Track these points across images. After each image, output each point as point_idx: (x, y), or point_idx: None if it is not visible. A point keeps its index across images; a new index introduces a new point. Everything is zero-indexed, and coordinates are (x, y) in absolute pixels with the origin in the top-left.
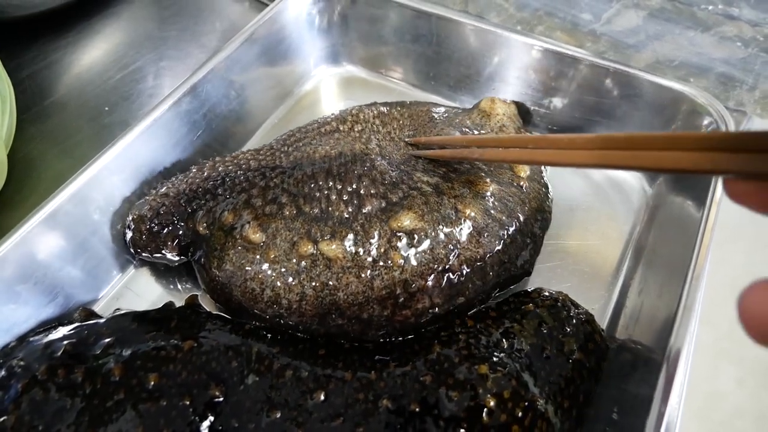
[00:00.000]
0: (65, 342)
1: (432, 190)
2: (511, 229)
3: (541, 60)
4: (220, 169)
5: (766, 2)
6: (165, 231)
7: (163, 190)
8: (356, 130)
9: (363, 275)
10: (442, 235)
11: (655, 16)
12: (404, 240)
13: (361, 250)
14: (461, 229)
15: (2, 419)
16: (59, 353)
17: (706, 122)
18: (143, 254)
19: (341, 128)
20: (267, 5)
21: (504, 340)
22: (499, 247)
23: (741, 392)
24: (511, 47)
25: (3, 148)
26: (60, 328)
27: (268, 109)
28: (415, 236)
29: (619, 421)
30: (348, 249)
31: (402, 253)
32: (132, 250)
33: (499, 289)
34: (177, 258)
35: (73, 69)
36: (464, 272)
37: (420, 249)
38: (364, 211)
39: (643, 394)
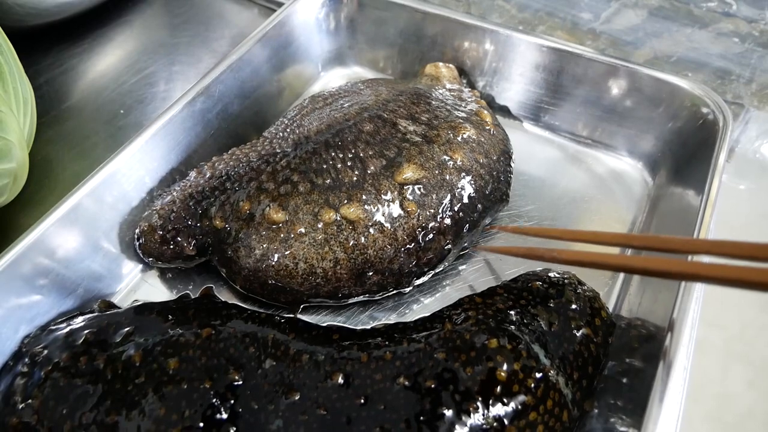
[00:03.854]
0: (86, 331)
1: (421, 139)
2: (489, 167)
3: (543, 57)
4: (220, 167)
5: None
6: (180, 235)
7: (168, 198)
8: (328, 103)
9: (386, 228)
10: (441, 179)
11: (653, 15)
12: (413, 189)
13: (378, 207)
14: (454, 171)
15: (28, 402)
16: (81, 341)
17: (704, 113)
18: (158, 263)
19: (317, 106)
20: (275, 11)
21: (513, 315)
22: (482, 182)
23: (751, 394)
24: (513, 46)
25: (26, 148)
26: (80, 317)
27: (279, 109)
28: (421, 184)
29: (626, 393)
30: (367, 208)
31: (414, 201)
32: (146, 260)
33: (486, 217)
34: (195, 259)
35: (88, 74)
36: (463, 208)
37: (428, 194)
38: (369, 171)
39: (648, 369)
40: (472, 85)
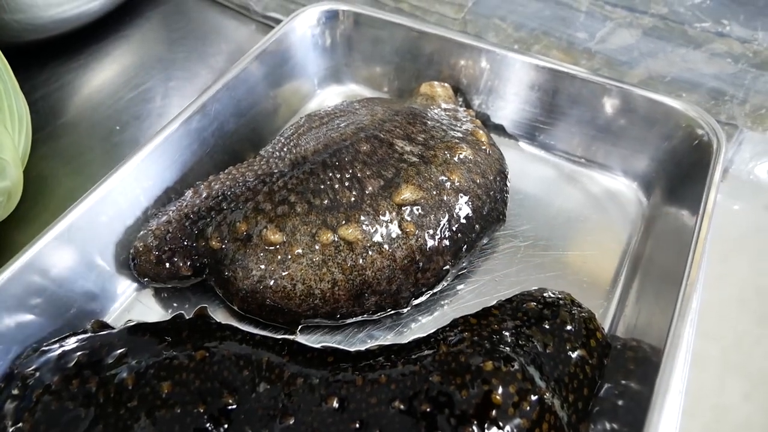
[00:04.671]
0: (79, 353)
1: (418, 159)
2: (486, 187)
3: (538, 77)
4: (216, 186)
5: (755, 19)
6: (176, 255)
7: (163, 218)
8: (324, 122)
9: (384, 250)
10: (439, 200)
11: (648, 35)
12: (411, 210)
13: (377, 228)
14: (452, 191)
15: (18, 426)
16: (73, 364)
17: (699, 134)
18: (153, 283)
19: (314, 125)
20: (272, 27)
21: (508, 336)
22: (479, 203)
23: (748, 405)
24: (509, 65)
25: (20, 166)
26: (73, 338)
27: (275, 127)
28: (419, 205)
29: (622, 415)
30: (365, 229)
31: (413, 222)
32: (141, 280)
33: (483, 237)
34: (191, 279)
35: (84, 90)
36: (461, 228)
37: (426, 215)
38: (367, 192)
39: (644, 391)
40: (467, 104)
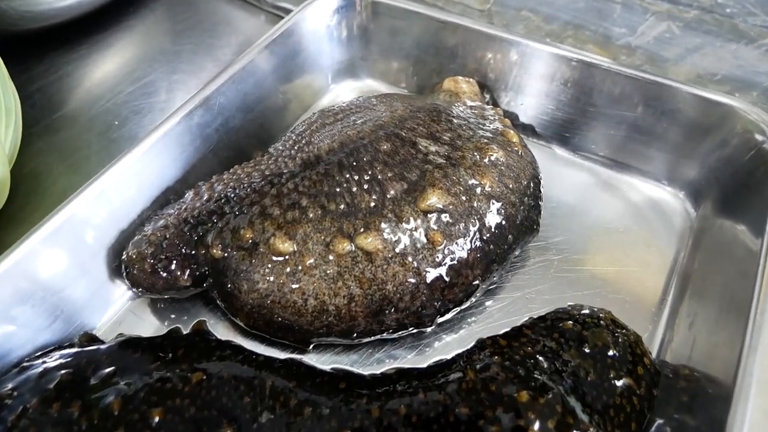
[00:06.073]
0: (62, 371)
1: (445, 161)
2: (520, 193)
3: (573, 73)
4: (219, 188)
5: None
6: (173, 264)
7: (161, 222)
8: (339, 119)
9: (407, 262)
10: (469, 207)
11: (693, 29)
12: (438, 218)
13: (399, 237)
14: (483, 197)
15: None
16: (54, 384)
17: (758, 140)
18: (148, 294)
19: (327, 122)
20: (284, 18)
21: (544, 361)
22: (512, 210)
23: None
24: (540, 59)
25: (6, 164)
26: (58, 353)
27: (285, 124)
28: (447, 212)
29: None
30: (386, 238)
31: (440, 230)
32: (135, 290)
33: (516, 249)
34: (190, 290)
35: (84, 82)
36: (492, 239)
37: (455, 223)
38: (388, 196)
39: (702, 428)
40: (494, 102)
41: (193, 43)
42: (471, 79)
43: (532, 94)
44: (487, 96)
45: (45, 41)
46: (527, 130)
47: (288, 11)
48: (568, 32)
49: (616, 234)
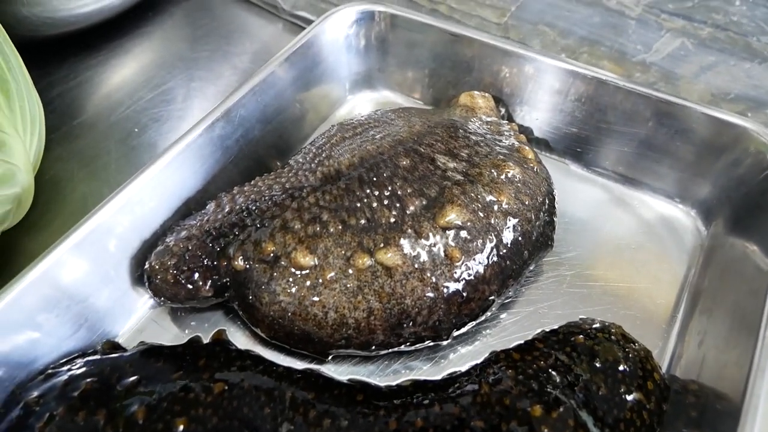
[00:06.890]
0: (87, 379)
1: (463, 178)
2: (536, 209)
3: (588, 90)
4: (240, 200)
5: None
6: (196, 275)
7: (183, 233)
8: (358, 132)
9: (426, 277)
10: (487, 223)
11: (708, 47)
12: (456, 234)
13: (419, 252)
14: (500, 214)
15: None
16: (79, 392)
17: None
18: (170, 303)
19: (347, 135)
20: (301, 27)
21: (557, 376)
22: (528, 227)
23: None
24: (556, 76)
25: (31, 171)
26: (81, 360)
27: (303, 134)
28: (466, 229)
29: None
30: (405, 253)
31: (458, 247)
32: (156, 300)
33: (531, 264)
34: (211, 300)
35: (103, 89)
36: (509, 255)
37: (473, 240)
38: (408, 212)
39: None
40: (509, 117)
41: (210, 50)
42: (487, 94)
43: (546, 109)
44: (503, 110)
45: (65, 47)
46: (541, 144)
47: (305, 20)
48: (583, 48)
49: (627, 250)
